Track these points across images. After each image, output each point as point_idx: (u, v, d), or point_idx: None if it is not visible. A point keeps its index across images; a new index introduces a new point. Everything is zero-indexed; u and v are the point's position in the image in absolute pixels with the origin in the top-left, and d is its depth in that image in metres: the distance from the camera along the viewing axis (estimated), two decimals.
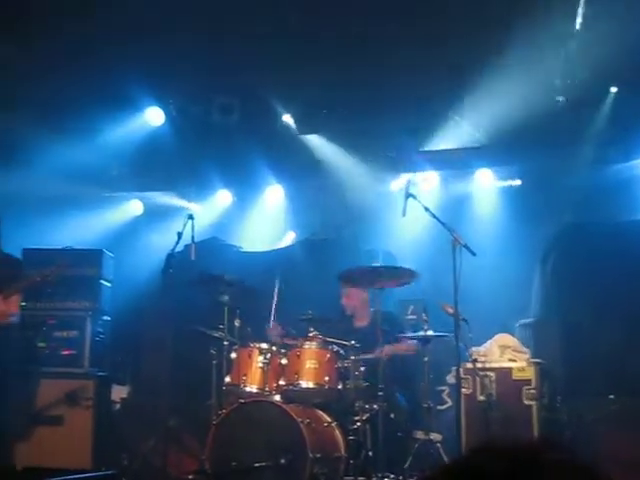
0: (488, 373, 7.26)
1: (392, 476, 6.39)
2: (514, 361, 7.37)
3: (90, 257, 8.43)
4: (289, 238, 10.29)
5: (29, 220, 8.56)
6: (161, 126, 9.14)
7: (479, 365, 7.23)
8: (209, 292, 7.29)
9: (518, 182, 9.46)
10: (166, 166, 9.88)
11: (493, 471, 1.29)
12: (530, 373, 7.20)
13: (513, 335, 7.74)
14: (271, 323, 7.46)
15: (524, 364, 7.29)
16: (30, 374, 7.93)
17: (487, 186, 9.60)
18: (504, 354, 7.47)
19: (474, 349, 7.26)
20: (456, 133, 8.85)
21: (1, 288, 6.27)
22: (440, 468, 1.38)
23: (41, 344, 8.11)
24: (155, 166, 9.88)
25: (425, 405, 6.87)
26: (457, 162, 9.45)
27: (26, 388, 7.90)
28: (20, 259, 6.71)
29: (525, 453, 1.33)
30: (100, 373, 8.22)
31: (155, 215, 10.46)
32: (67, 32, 7.17)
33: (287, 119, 9.00)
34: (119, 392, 8.67)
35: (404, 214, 6.62)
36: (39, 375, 7.95)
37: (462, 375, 6.82)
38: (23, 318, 7.79)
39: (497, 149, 9.05)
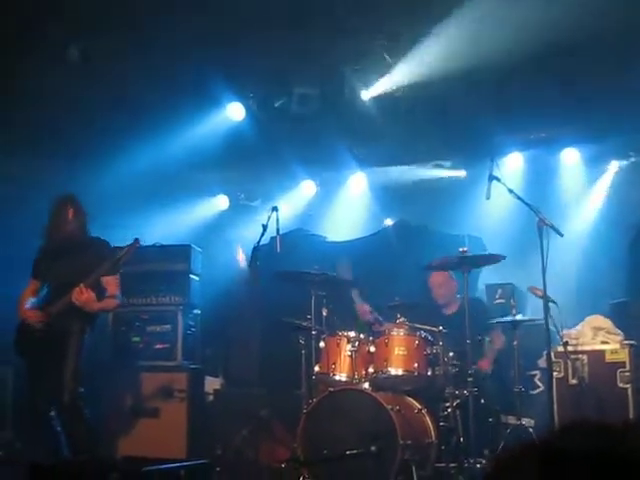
0: (580, 356, 7.14)
1: (484, 462, 6.33)
2: (607, 343, 7.21)
3: (179, 252, 8.57)
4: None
5: (118, 218, 8.76)
6: (242, 121, 9.23)
7: (571, 348, 7.11)
8: (296, 283, 7.34)
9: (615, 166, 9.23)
10: (250, 160, 9.97)
11: (579, 451, 1.26)
12: (624, 355, 7.04)
13: (605, 316, 7.56)
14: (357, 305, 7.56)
15: (617, 346, 7.13)
16: (126, 368, 8.15)
17: (574, 165, 9.40)
18: (597, 336, 7.32)
19: (565, 332, 7.11)
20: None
21: (86, 275, 6.40)
22: (526, 446, 1.35)
23: (135, 339, 8.32)
24: (239, 160, 9.98)
25: (516, 390, 6.78)
26: (542, 142, 9.27)
27: (123, 382, 8.13)
28: (106, 243, 6.81)
29: (613, 434, 1.29)
30: (193, 366, 8.36)
31: (241, 209, 10.61)
32: (147, 30, 7.29)
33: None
34: (212, 384, 8.81)
35: (488, 197, 6.53)
36: (136, 369, 8.16)
37: (553, 359, 6.71)
38: (116, 314, 8.03)
39: (584, 126, 8.83)
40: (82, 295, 6.31)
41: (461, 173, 9.94)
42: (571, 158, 9.40)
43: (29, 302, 6.69)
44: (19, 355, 6.71)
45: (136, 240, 6.55)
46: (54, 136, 8.63)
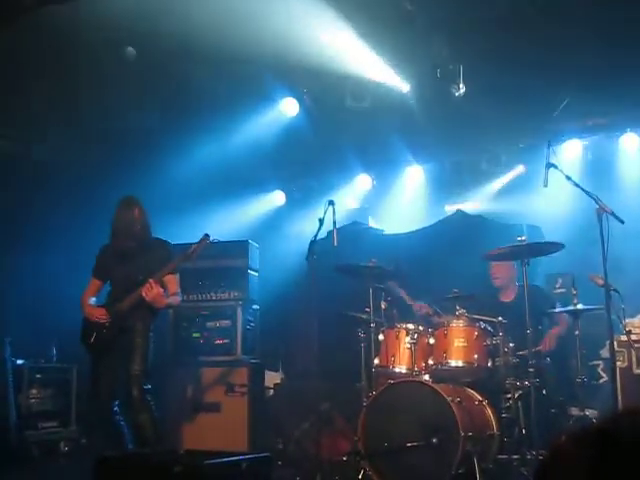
0: None
1: None
2: None
3: (237, 248, 8.65)
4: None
5: (177, 216, 8.86)
6: (296, 116, 9.26)
7: (634, 337, 6.97)
8: (354, 276, 7.34)
9: None
10: (305, 155, 10.00)
11: (636, 438, 1.24)
12: None
13: None
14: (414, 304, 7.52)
15: None
16: (188, 364, 8.25)
17: (634, 150, 9.20)
18: None
19: (628, 320, 6.98)
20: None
21: (152, 273, 6.53)
22: (583, 432, 1.33)
23: (196, 335, 8.42)
24: (294, 156, 10.01)
25: (579, 380, 6.68)
26: (601, 128, 9.11)
27: (185, 377, 8.23)
28: (167, 242, 6.96)
29: None
30: (253, 360, 8.43)
31: (297, 204, 10.65)
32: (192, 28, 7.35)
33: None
34: (272, 378, 8.88)
35: (546, 184, 6.41)
36: (197, 364, 8.26)
37: (616, 348, 6.56)
38: (177, 310, 8.13)
39: None
40: (152, 291, 6.46)
41: (519, 170, 9.79)
42: (631, 143, 9.21)
43: (91, 301, 6.84)
44: (86, 351, 6.83)
45: (206, 236, 6.69)
46: (112, 137, 8.75)
